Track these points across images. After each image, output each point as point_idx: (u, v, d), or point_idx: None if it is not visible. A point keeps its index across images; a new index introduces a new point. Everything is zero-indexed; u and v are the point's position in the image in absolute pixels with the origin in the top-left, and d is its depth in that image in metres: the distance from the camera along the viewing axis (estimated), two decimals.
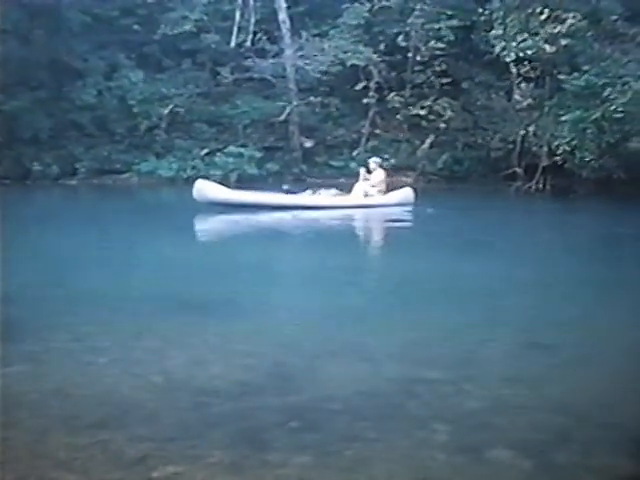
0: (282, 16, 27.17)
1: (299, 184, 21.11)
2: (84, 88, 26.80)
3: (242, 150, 26.59)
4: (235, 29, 27.79)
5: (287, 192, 18.58)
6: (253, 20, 27.77)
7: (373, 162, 19.76)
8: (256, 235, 15.83)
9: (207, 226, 17.08)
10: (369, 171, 19.45)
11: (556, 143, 23.24)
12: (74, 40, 27.01)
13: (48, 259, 11.83)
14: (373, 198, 19.06)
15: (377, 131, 28.16)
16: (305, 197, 18.59)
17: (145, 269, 11.53)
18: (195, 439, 4.88)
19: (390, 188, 19.79)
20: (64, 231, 15.35)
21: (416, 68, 27.18)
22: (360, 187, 19.15)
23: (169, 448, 4.74)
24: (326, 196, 18.75)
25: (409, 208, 19.09)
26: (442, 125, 26.88)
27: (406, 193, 19.67)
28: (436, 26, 26.37)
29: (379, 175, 19.47)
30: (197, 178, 19.63)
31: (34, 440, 4.82)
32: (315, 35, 27.42)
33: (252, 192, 18.49)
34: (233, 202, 17.61)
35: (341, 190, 19.25)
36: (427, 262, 12.08)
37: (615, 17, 23.93)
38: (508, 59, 24.11)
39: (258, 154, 26.71)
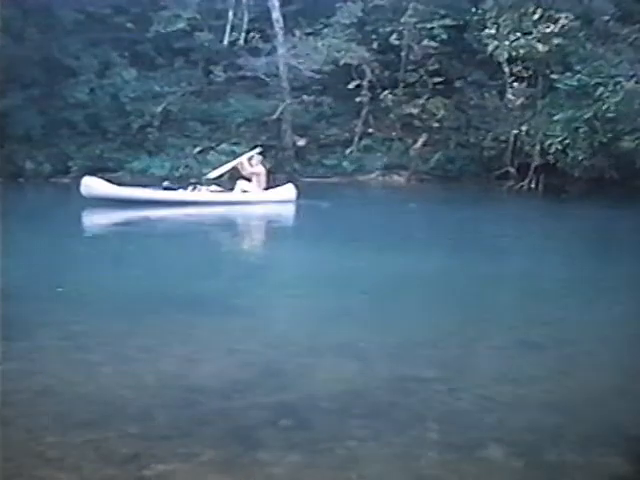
0: (275, 15, 27.11)
1: (183, 181, 21.32)
2: (77, 86, 26.68)
3: (235, 148, 26.48)
4: (228, 27, 27.71)
5: (167, 189, 18.98)
6: (246, 19, 27.69)
7: (255, 158, 19.91)
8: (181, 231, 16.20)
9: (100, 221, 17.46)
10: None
11: (548, 142, 23.25)
12: (67, 38, 26.89)
13: (38, 257, 11.80)
14: (253, 194, 19.24)
15: (370, 130, 28.10)
16: (186, 193, 18.90)
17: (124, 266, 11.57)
18: (186, 437, 4.87)
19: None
20: (55, 229, 15.31)
21: (409, 67, 27.12)
22: (240, 184, 19.38)
23: (160, 446, 4.74)
24: (206, 192, 19.05)
25: (292, 204, 19.24)
26: (435, 124, 26.83)
27: (287, 190, 19.77)
28: (429, 25, 26.33)
29: (258, 170, 19.59)
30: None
31: (25, 439, 4.81)
32: (308, 34, 27.35)
33: (136, 188, 19.00)
34: (118, 198, 18.14)
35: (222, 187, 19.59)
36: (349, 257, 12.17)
37: (607, 17, 23.96)
38: (501, 58, 24.10)
39: None
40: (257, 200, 19.11)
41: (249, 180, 19.34)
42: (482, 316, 8.42)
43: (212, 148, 26.79)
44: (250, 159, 19.64)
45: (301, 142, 27.45)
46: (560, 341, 7.29)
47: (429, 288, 10.09)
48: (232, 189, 19.35)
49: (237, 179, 19.54)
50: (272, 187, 19.72)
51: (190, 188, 19.01)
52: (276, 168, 26.94)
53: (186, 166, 26.16)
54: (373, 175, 26.89)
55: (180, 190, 18.94)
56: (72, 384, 5.80)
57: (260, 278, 10.62)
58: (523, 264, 12.28)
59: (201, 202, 18.61)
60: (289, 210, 18.84)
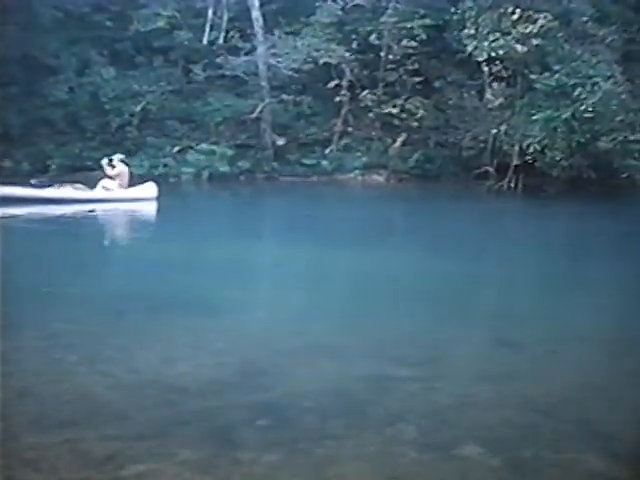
0: (255, 14, 27.09)
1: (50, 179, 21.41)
2: (56, 84, 26.58)
3: (214, 147, 26.48)
4: (208, 26, 27.71)
5: (35, 186, 19.14)
6: (226, 17, 27.69)
7: (116, 157, 20.21)
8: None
9: None
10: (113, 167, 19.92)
11: (527, 142, 23.36)
12: (46, 36, 26.75)
13: (14, 257, 11.72)
14: (114, 192, 19.61)
15: (349, 129, 28.14)
16: (53, 191, 19.07)
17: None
18: (164, 437, 4.86)
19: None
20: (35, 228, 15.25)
21: (388, 67, 27.18)
22: (102, 182, 19.71)
23: (138, 446, 4.73)
24: (70, 190, 19.25)
25: (152, 202, 19.45)
26: (414, 124, 26.91)
27: (148, 188, 20.09)
28: (409, 25, 26.41)
29: (120, 169, 19.89)
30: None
31: (1, 440, 4.79)
32: (288, 33, 27.35)
33: (4, 186, 18.81)
34: None
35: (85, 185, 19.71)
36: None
37: (585, 18, 24.12)
38: (480, 58, 24.18)
39: (230, 152, 26.60)
40: (119, 197, 19.47)
41: (112, 179, 19.69)
42: (459, 315, 8.45)
43: (191, 147, 26.73)
44: (110, 161, 19.95)
45: (280, 141, 27.42)
46: (537, 340, 7.32)
47: (408, 288, 10.12)
48: (94, 187, 19.65)
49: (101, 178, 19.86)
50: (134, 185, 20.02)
51: (56, 186, 19.21)
52: (255, 167, 26.97)
53: (165, 165, 26.09)
54: (352, 174, 26.91)
55: (48, 188, 19.10)
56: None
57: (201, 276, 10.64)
58: (501, 263, 12.34)
59: (66, 199, 18.77)
60: (151, 207, 19.09)
